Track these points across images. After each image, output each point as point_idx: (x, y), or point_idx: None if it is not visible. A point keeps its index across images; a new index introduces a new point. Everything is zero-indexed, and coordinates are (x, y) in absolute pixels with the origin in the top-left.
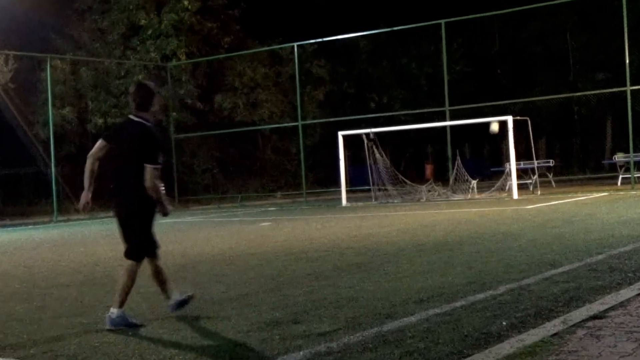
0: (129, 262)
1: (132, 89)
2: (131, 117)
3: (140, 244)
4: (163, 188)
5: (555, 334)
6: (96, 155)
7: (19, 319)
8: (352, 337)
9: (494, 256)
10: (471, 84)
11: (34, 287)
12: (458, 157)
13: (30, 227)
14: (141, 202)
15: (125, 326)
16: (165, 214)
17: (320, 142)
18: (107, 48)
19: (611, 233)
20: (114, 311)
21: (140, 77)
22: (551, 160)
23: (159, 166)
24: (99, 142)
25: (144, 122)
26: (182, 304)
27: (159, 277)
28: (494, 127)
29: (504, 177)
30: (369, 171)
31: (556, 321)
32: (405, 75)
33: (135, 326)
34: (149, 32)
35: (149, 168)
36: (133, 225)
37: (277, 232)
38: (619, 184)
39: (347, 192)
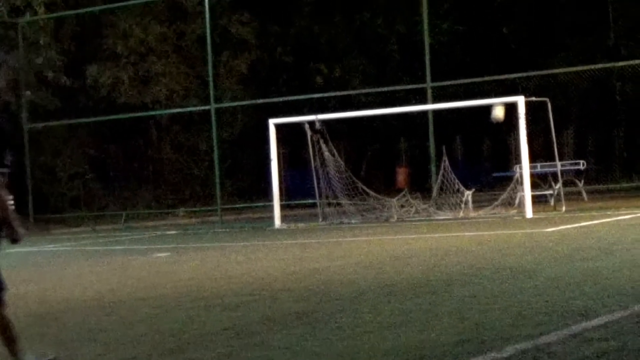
0: None
1: None
2: None
3: None
4: (12, 202)
5: None
6: None
7: None
8: None
9: (497, 302)
10: (464, 50)
11: None
12: (445, 158)
13: None
14: None
15: None
16: (14, 240)
17: (243, 134)
18: None
19: None
20: None
21: None
22: (582, 162)
23: (5, 170)
24: None
25: None
26: None
27: (6, 333)
28: (498, 113)
29: (512, 186)
30: (314, 178)
31: None
32: (368, 36)
33: None
34: None
35: None
36: None
37: (179, 267)
38: None
39: (282, 208)
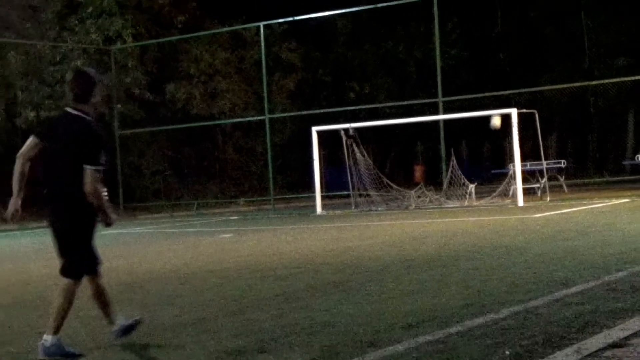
0: (66, 280)
1: (69, 77)
2: (68, 109)
3: (78, 260)
4: (106, 193)
5: None
6: (27, 155)
7: None
8: None
9: (495, 274)
10: (469, 71)
11: None
12: (453, 157)
13: None
14: (80, 210)
15: (61, 356)
16: (108, 224)
17: (291, 139)
18: (40, 29)
19: (634, 246)
20: (47, 338)
21: (79, 63)
22: (563, 161)
23: (100, 168)
24: (30, 140)
25: (83, 115)
26: (128, 329)
27: (101, 298)
28: (496, 122)
29: (507, 180)
30: (348, 174)
31: (568, 350)
32: (391, 60)
33: (73, 356)
34: (89, 9)
35: (89, 170)
36: (70, 237)
37: (240, 246)
38: None
39: (323, 198)
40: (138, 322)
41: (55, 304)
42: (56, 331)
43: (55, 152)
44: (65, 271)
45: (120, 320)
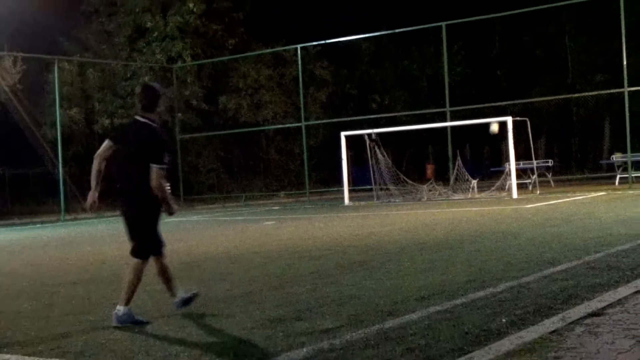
0: (135, 260)
1: (138, 90)
2: (137, 117)
3: (146, 243)
4: (169, 188)
5: (554, 331)
6: (103, 155)
7: (27, 317)
8: (354, 334)
9: (493, 254)
10: (471, 86)
11: (41, 285)
12: (458, 157)
13: (38, 226)
14: (147, 202)
15: (131, 323)
16: (171, 213)
17: (323, 142)
18: (113, 50)
19: (609, 232)
20: (120, 309)
21: (146, 78)
22: (550, 160)
23: (164, 166)
24: (106, 143)
25: (150, 122)
26: (187, 301)
27: (165, 275)
28: (494, 128)
29: (503, 176)
30: (371, 171)
31: (555, 318)
32: (407, 76)
33: (142, 323)
34: (155, 34)
35: (154, 168)
36: (139, 224)
37: (280, 231)
38: (616, 183)
39: (350, 191)
40: (195, 295)
41: (126, 279)
42: (127, 302)
43: (127, 154)
44: (134, 252)
45: (181, 294)
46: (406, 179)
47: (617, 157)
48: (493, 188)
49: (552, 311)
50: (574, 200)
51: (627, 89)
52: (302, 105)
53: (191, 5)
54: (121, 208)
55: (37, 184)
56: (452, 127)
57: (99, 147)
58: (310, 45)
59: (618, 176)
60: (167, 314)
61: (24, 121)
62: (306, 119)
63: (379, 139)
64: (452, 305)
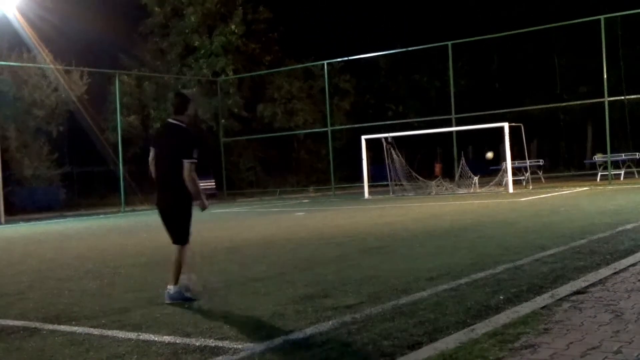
0: (178, 246)
1: (171, 96)
2: (169, 120)
3: (183, 231)
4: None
5: (544, 307)
6: (150, 162)
7: (92, 294)
8: (373, 309)
9: (493, 241)
10: (474, 96)
11: (104, 267)
12: (462, 157)
13: (101, 216)
14: (181, 195)
15: (181, 300)
16: (203, 207)
17: (346, 145)
18: (166, 65)
19: (592, 221)
20: (171, 287)
21: (194, 90)
22: (541, 160)
23: (194, 161)
24: (150, 150)
25: (179, 123)
26: (181, 297)
27: (177, 264)
28: (489, 155)
29: (501, 174)
30: (387, 169)
31: (545, 295)
32: (418, 88)
33: (190, 300)
34: (202, 52)
35: (186, 163)
36: (175, 216)
37: (309, 221)
38: (598, 180)
39: (369, 187)
40: (192, 300)
41: (174, 262)
42: (176, 282)
43: (162, 153)
44: (176, 240)
45: (182, 288)
46: (417, 176)
47: (598, 158)
48: (492, 184)
49: (543, 289)
50: (562, 194)
51: (607, 99)
52: (328, 113)
53: (233, 27)
54: (158, 203)
55: (101, 181)
56: (457, 132)
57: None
58: (335, 61)
59: (599, 174)
60: (212, 292)
61: (89, 126)
62: (332, 125)
63: (394, 141)
64: (457, 285)
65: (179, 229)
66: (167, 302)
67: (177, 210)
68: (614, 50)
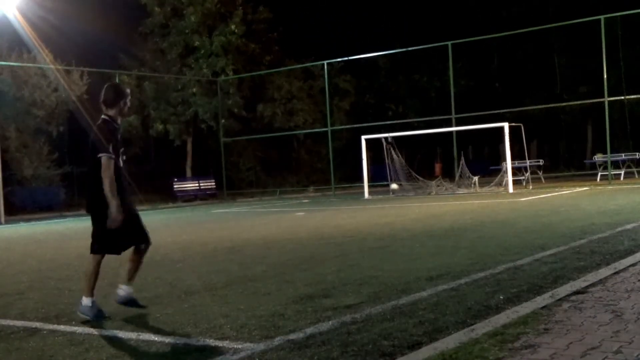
0: (92, 255)
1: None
2: (102, 116)
3: (95, 237)
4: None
5: (544, 307)
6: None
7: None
8: (373, 309)
9: (493, 241)
10: (474, 96)
11: (104, 267)
12: (462, 157)
13: None
14: (97, 202)
15: (96, 316)
16: (109, 223)
17: (346, 144)
18: (166, 65)
19: (591, 221)
20: (85, 299)
21: (194, 90)
22: (541, 160)
23: (112, 155)
24: None
25: (103, 116)
26: (130, 302)
27: (135, 266)
28: (394, 186)
29: (501, 174)
30: (387, 169)
31: (545, 295)
32: (418, 88)
33: (102, 317)
34: (202, 52)
35: (103, 158)
36: (92, 219)
37: (309, 221)
38: (598, 180)
39: (369, 187)
40: (140, 307)
41: (86, 271)
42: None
43: (87, 153)
44: (90, 247)
45: (131, 290)
46: (417, 176)
47: (598, 158)
48: (492, 184)
49: (543, 289)
50: (562, 194)
51: (607, 99)
52: (328, 113)
53: (233, 27)
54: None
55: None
56: (457, 132)
57: (154, 149)
58: (335, 61)
59: (599, 174)
60: (213, 291)
61: (89, 127)
62: (332, 125)
63: (394, 141)
64: (457, 284)
65: (92, 234)
66: (80, 314)
67: (94, 213)
68: (614, 50)
